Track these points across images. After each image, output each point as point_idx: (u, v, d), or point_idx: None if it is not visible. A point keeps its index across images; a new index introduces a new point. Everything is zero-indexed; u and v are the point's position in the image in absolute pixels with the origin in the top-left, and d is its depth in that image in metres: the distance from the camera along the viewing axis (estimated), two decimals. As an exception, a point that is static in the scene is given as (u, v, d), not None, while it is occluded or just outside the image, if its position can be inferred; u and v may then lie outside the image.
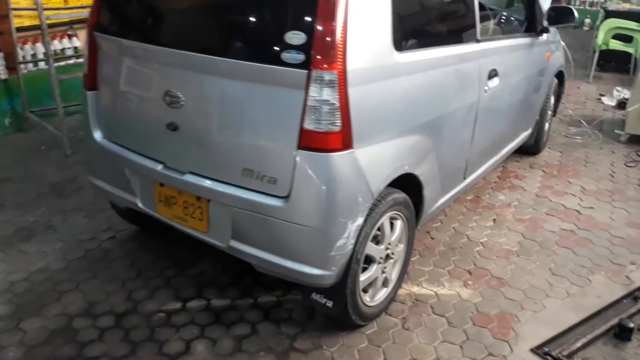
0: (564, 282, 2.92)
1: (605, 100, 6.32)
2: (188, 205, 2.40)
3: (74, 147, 4.46)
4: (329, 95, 1.92)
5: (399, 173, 2.32)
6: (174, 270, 2.93)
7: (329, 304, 2.29)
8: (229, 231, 2.28)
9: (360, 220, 2.14)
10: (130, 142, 2.54)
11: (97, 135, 2.67)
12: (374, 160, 2.14)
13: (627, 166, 4.52)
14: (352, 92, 1.98)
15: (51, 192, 3.82)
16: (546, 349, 2.39)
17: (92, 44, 2.61)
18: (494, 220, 3.58)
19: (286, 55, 1.95)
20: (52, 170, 4.18)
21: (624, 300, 2.78)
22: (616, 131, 5.21)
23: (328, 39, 1.89)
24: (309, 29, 1.91)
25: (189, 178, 2.31)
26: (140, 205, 2.60)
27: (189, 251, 3.08)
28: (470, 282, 2.89)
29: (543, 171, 4.39)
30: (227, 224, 2.28)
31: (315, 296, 2.32)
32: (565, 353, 2.36)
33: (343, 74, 1.93)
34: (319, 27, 1.90)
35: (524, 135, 4.15)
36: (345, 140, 1.99)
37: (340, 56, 1.91)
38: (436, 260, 3.08)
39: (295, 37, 1.93)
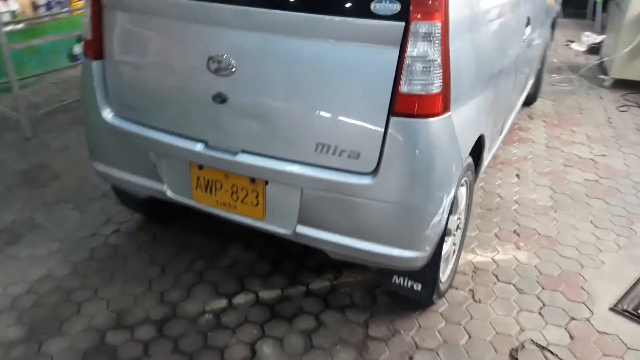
0: (610, 234, 2.89)
1: (575, 46, 6.41)
2: (238, 190, 2.09)
3: (35, 129, 3.90)
4: (431, 50, 1.66)
5: (478, 135, 2.13)
6: (202, 262, 2.61)
7: (417, 286, 2.10)
8: (294, 216, 2.01)
9: (453, 192, 1.94)
10: (156, 120, 2.16)
11: (107, 113, 2.26)
12: (464, 123, 1.93)
13: (620, 111, 4.59)
14: (453, 47, 1.73)
15: (23, 183, 3.32)
16: (624, 306, 2.35)
17: (94, 2, 2.16)
18: (518, 175, 3.50)
19: (377, 6, 1.66)
20: (14, 157, 3.63)
21: (672, 247, 2.80)
22: (600, 76, 5.29)
23: None
24: None
25: (243, 158, 1.99)
26: (169, 193, 2.25)
27: (211, 238, 2.76)
28: (521, 244, 2.79)
29: (544, 121, 4.37)
30: (292, 207, 2.00)
31: (397, 280, 2.12)
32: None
33: (446, 25, 1.67)
34: (417, -32, 1.62)
35: (530, 84, 4.07)
36: (444, 103, 1.75)
37: (443, 4, 1.65)
38: (479, 224, 2.95)
39: None
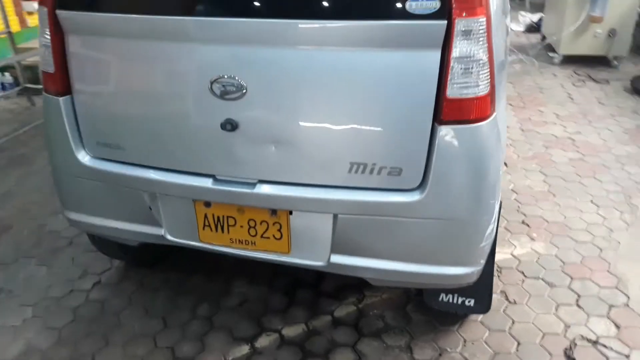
0: (614, 212, 2.90)
1: (514, 26, 6.57)
2: (256, 224, 1.86)
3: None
4: (478, 49, 1.52)
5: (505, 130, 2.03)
6: (207, 306, 2.35)
7: (469, 302, 1.96)
8: (327, 245, 1.81)
9: (499, 198, 1.81)
10: (149, 157, 1.88)
11: (83, 156, 1.95)
12: (502, 121, 1.80)
13: (576, 86, 4.71)
14: (493, 43, 1.60)
15: (-32, 243, 2.89)
16: (656, 286, 2.34)
17: (55, 28, 1.85)
18: (505, 163, 3.47)
19: (414, 4, 1.48)
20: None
21: (674, 217, 2.84)
22: (549, 54, 5.43)
23: None
24: None
25: (262, 189, 1.76)
26: (169, 237, 1.99)
27: (209, 277, 2.51)
28: (534, 235, 2.73)
29: (510, 105, 4.39)
30: (324, 236, 1.80)
31: (445, 298, 1.97)
32: (674, 285, 2.33)
33: (489, 21, 1.53)
34: (456, -40, 1.46)
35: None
36: (492, 105, 1.62)
37: None
38: (485, 219, 2.87)
39: None
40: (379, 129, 1.63)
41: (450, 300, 1.98)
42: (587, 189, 3.13)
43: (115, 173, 1.93)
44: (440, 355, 2.06)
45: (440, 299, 1.99)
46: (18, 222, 3.02)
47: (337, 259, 1.82)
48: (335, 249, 1.81)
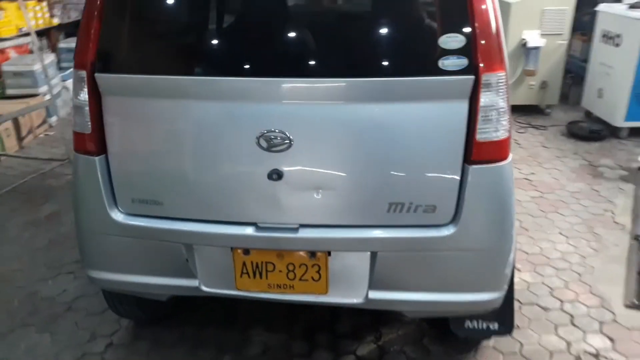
0: (581, 241, 3.26)
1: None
2: (295, 268, 1.99)
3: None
4: (501, 98, 1.79)
5: None
6: (230, 356, 2.40)
7: (493, 326, 2.15)
8: (365, 282, 1.96)
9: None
10: (189, 211, 1.97)
11: (116, 213, 2.02)
12: None
13: (520, 133, 5.22)
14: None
15: (-46, 316, 2.76)
16: (634, 301, 2.65)
17: (93, 91, 1.94)
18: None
19: (445, 62, 1.74)
20: None
21: (632, 242, 3.23)
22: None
23: (491, 36, 1.75)
24: (465, 30, 1.74)
25: (303, 233, 1.91)
26: (203, 288, 2.06)
27: (223, 328, 2.56)
28: (519, 266, 3.00)
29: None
30: (362, 274, 1.96)
31: (471, 324, 2.15)
32: (648, 300, 2.65)
33: (507, 76, 1.82)
34: (479, 25, 1.74)
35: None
36: (510, 146, 1.89)
37: (504, 55, 1.80)
38: (472, 254, 3.13)
39: (453, 40, 1.73)
40: (415, 171, 1.84)
41: (476, 327, 2.16)
42: (553, 223, 3.48)
43: (152, 228, 2.00)
44: (465, 380, 2.23)
45: (466, 326, 2.17)
46: (5, 292, 2.92)
47: (374, 294, 1.97)
48: (373, 285, 1.96)
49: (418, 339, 2.45)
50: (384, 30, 1.85)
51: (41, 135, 5.46)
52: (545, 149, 4.78)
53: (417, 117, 1.80)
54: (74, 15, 7.15)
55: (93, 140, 1.97)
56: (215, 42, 1.99)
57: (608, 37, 5.05)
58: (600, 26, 5.21)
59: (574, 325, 2.53)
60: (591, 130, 5.03)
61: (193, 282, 2.06)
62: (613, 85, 4.96)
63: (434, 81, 1.75)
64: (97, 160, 1.98)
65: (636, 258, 3.02)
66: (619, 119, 4.91)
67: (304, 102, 1.83)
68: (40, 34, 6.17)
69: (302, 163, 1.85)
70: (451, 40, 1.73)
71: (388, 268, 1.93)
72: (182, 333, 2.54)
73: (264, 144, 1.82)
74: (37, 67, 5.37)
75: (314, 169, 1.86)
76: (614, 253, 3.11)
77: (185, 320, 2.62)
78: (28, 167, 4.59)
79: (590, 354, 2.34)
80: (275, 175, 1.85)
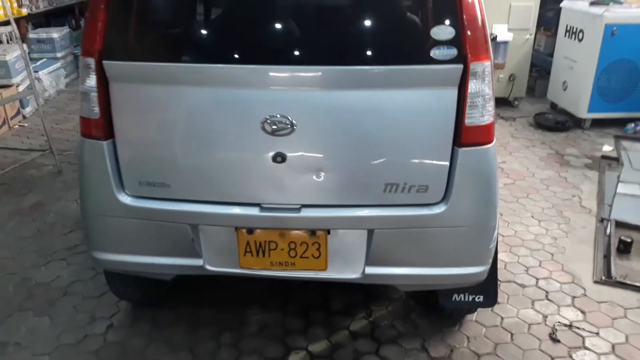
0: (552, 224, 3.48)
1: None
2: (296, 246, 2.12)
3: None
4: (487, 86, 1.95)
5: None
6: (230, 334, 2.51)
7: (478, 298, 2.32)
8: (362, 259, 2.11)
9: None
10: (196, 192, 2.07)
11: (123, 196, 2.10)
12: None
13: (491, 123, 5.45)
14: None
15: (-52, 302, 2.78)
16: (602, 277, 2.88)
17: (100, 78, 2.02)
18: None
19: (437, 52, 1.89)
20: None
21: (598, 224, 3.47)
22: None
23: (478, 29, 1.91)
24: (454, 22, 1.89)
25: (305, 212, 2.04)
26: (208, 267, 2.17)
27: (221, 308, 2.67)
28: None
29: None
30: (359, 251, 2.10)
31: (458, 297, 2.32)
32: (613, 276, 2.88)
33: (491, 65, 1.98)
34: (467, 17, 1.89)
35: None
36: (494, 130, 2.05)
37: (489, 46, 1.96)
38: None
39: (444, 32, 1.89)
40: (408, 153, 1.99)
41: (463, 299, 2.33)
42: (525, 207, 3.71)
43: (160, 210, 2.09)
44: (451, 351, 2.40)
45: (453, 298, 2.34)
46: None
47: (371, 270, 2.11)
48: (369, 261, 2.10)
49: (406, 314, 2.62)
50: (380, 21, 1.98)
51: (16, 127, 5.40)
52: (514, 139, 5.02)
53: (410, 103, 1.94)
54: (43, 6, 7.06)
55: (101, 126, 2.05)
56: (220, 29, 2.08)
57: (571, 32, 5.32)
58: (564, 22, 5.48)
59: (548, 300, 2.73)
60: (557, 122, 5.30)
61: (198, 262, 2.16)
62: (576, 78, 5.24)
63: (426, 70, 1.90)
64: (105, 144, 2.06)
65: (602, 239, 3.26)
66: (582, 111, 5.19)
67: (306, 88, 1.95)
68: (8, 24, 6.07)
69: (304, 146, 1.97)
70: (442, 32, 1.88)
71: (383, 245, 2.07)
72: (179, 314, 2.64)
73: (268, 128, 1.93)
74: (9, 57, 5.31)
75: (315, 152, 1.98)
76: (582, 234, 3.34)
77: (181, 302, 2.71)
78: (7, 158, 4.56)
79: (564, 325, 2.55)
80: (280, 158, 1.97)
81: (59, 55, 6.72)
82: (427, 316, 2.60)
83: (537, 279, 2.90)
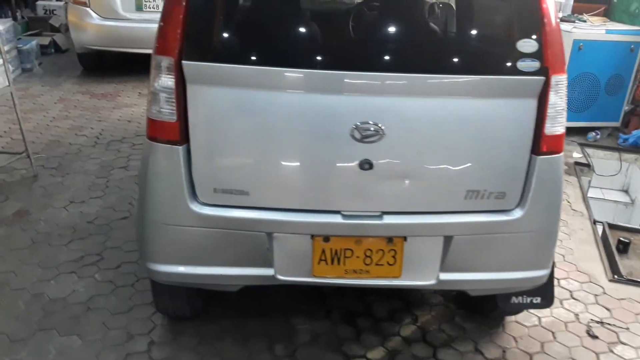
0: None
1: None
2: (372, 253, 2.12)
3: None
4: (563, 98, 2.06)
5: None
6: (282, 345, 2.46)
7: (536, 300, 2.42)
8: (436, 265, 2.14)
9: None
10: (275, 200, 2.02)
11: (196, 205, 2.01)
12: None
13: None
14: None
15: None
16: (615, 276, 3.10)
17: (179, 78, 1.92)
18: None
19: (522, 64, 1.98)
20: None
21: (593, 226, 3.73)
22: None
23: (558, 43, 2.02)
24: (538, 36, 1.98)
25: (385, 220, 2.05)
26: (279, 276, 2.12)
27: (263, 320, 2.61)
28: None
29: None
30: (434, 257, 2.13)
31: (516, 300, 2.41)
32: (626, 275, 3.12)
33: (566, 75, 2.09)
34: (549, 32, 1.99)
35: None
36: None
37: (565, 59, 2.07)
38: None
39: (528, 45, 1.97)
40: (489, 160, 2.05)
41: (521, 301, 2.43)
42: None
43: (237, 218, 2.03)
44: (504, 352, 2.50)
45: (512, 301, 2.43)
46: (3, 295, 2.70)
47: (445, 276, 2.16)
48: (444, 267, 2.15)
49: (451, 318, 2.69)
50: (470, 32, 2.06)
51: (-31, 127, 4.95)
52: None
53: (492, 112, 2.02)
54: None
55: (177, 130, 1.95)
56: (312, 34, 2.04)
57: (539, 46, 5.66)
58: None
59: (574, 299, 2.91)
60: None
61: (269, 271, 2.11)
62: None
63: (511, 80, 1.98)
64: (181, 149, 1.96)
65: (602, 240, 3.52)
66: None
67: (396, 95, 1.96)
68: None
69: (391, 153, 1.99)
70: (527, 45, 1.97)
71: (459, 251, 2.12)
72: (222, 327, 2.55)
73: (357, 135, 1.93)
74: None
75: (402, 159, 2.00)
76: (582, 236, 3.58)
77: (220, 314, 2.62)
78: (-31, 162, 4.17)
79: (596, 322, 2.72)
80: (367, 165, 1.97)
81: (7, 48, 6.23)
82: (470, 319, 2.68)
83: (559, 279, 3.07)
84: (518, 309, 2.53)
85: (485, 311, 2.65)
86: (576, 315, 2.78)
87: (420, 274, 2.16)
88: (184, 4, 1.89)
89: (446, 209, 2.08)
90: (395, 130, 1.95)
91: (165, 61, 1.91)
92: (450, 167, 2.04)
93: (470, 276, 2.17)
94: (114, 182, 3.98)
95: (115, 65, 7.07)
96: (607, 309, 2.83)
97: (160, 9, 6.28)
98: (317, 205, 2.05)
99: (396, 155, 1.99)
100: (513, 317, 2.71)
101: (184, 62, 1.90)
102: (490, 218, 2.09)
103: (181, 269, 2.11)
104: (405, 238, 2.10)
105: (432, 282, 2.16)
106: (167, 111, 1.95)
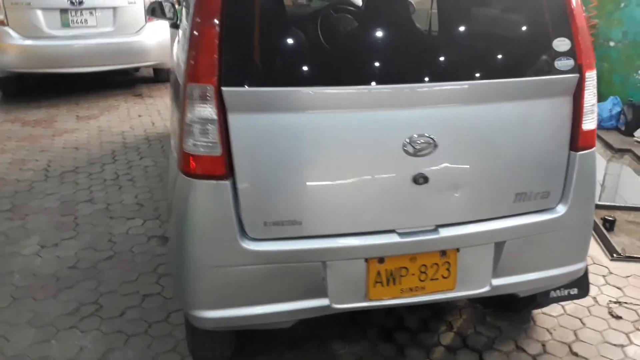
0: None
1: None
2: (427, 269, 2.08)
3: None
4: (593, 94, 2.10)
5: None
6: (329, 372, 2.36)
7: (573, 291, 2.47)
8: (489, 272, 2.14)
9: None
10: (327, 227, 1.93)
11: (247, 241, 1.88)
12: None
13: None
14: None
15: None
16: (614, 255, 3.25)
17: (220, 107, 1.77)
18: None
19: (559, 63, 2.00)
20: None
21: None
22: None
23: (588, 39, 2.06)
24: (569, 33, 2.02)
25: (439, 233, 2.01)
26: (334, 305, 2.03)
27: (297, 351, 2.49)
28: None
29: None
30: (486, 265, 2.12)
31: (555, 293, 2.45)
32: (621, 251, 3.28)
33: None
34: (579, 29, 2.03)
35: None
36: None
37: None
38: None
39: (563, 44, 2.00)
40: (534, 161, 2.07)
41: (559, 294, 2.48)
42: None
43: (291, 250, 1.92)
44: (544, 345, 2.54)
45: (550, 295, 2.47)
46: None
47: (497, 281, 2.15)
48: (497, 273, 2.14)
49: (483, 319, 2.70)
50: (512, 37, 2.07)
51: None
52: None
53: (534, 113, 2.04)
54: None
55: (222, 163, 1.81)
56: (360, 49, 1.95)
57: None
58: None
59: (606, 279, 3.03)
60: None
61: (323, 302, 2.02)
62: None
63: (551, 80, 2.01)
64: (228, 184, 1.81)
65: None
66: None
67: (446, 105, 1.94)
68: None
69: (445, 164, 1.95)
70: (561, 44, 2.01)
71: (510, 255, 2.13)
72: (261, 354, 2.41)
73: (410, 149, 1.88)
74: None
75: (455, 169, 1.97)
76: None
77: (252, 350, 2.47)
78: None
79: (614, 302, 2.84)
80: (422, 179, 1.92)
81: None
82: (501, 317, 2.70)
83: (565, 265, 3.17)
84: (556, 302, 2.59)
85: (515, 307, 2.68)
86: (594, 298, 2.88)
87: (474, 283, 2.14)
88: (218, 26, 1.74)
89: (497, 214, 2.08)
90: (446, 140, 1.92)
91: (203, 89, 1.76)
92: (500, 172, 2.03)
93: (521, 278, 2.18)
94: (84, 219, 3.66)
95: (38, 87, 6.55)
96: (619, 288, 2.96)
97: (89, 23, 5.90)
98: (372, 226, 1.97)
99: (449, 165, 1.96)
100: (539, 309, 2.76)
101: (224, 89, 1.75)
102: (538, 218, 2.11)
103: (231, 312, 1.97)
104: (458, 249, 2.06)
105: (487, 289, 2.15)
106: (208, 144, 1.79)
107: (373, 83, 1.87)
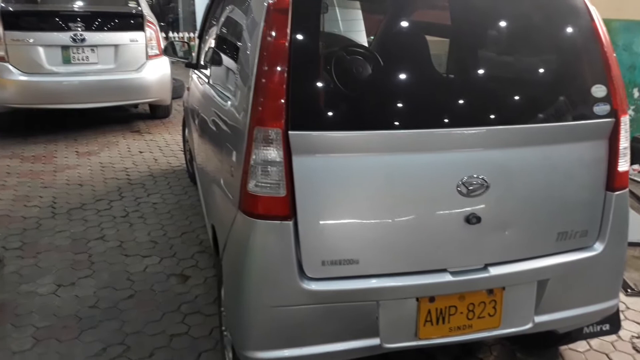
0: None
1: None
2: (475, 307, 2.12)
3: None
4: (627, 138, 2.22)
5: None
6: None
7: (605, 327, 2.53)
8: (531, 310, 2.19)
9: None
10: (382, 266, 1.97)
11: (305, 281, 1.90)
12: None
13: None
14: None
15: None
16: (628, 290, 3.34)
17: (287, 150, 1.82)
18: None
19: (596, 108, 2.12)
20: None
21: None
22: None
23: (622, 86, 2.19)
24: (605, 80, 2.14)
25: (488, 272, 2.07)
26: (385, 345, 2.05)
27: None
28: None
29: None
30: (529, 303, 2.18)
31: (588, 329, 2.50)
32: (634, 286, 3.38)
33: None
34: (614, 76, 2.16)
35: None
36: None
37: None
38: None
39: (600, 90, 2.13)
40: (574, 201, 2.17)
41: (592, 330, 2.53)
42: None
43: (349, 290, 1.95)
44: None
45: (584, 331, 2.52)
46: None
47: (540, 318, 2.21)
48: (539, 310, 2.20)
49: (513, 356, 2.73)
50: (556, 85, 2.18)
51: None
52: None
53: (574, 155, 2.14)
54: None
55: (286, 204, 1.84)
56: (420, 93, 2.03)
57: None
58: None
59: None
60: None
61: (374, 341, 2.04)
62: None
63: (590, 124, 2.13)
64: (290, 224, 1.84)
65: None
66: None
67: (497, 148, 2.02)
68: None
69: (497, 205, 2.03)
70: (599, 90, 2.13)
71: (552, 292, 2.19)
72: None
73: (463, 189, 1.95)
74: None
75: (506, 210, 2.05)
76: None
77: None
78: None
79: (636, 337, 2.91)
80: (474, 219, 1.98)
81: None
82: (529, 353, 2.74)
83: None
84: (589, 337, 2.64)
85: (545, 343, 2.72)
86: (617, 334, 2.94)
87: (518, 321, 2.19)
88: (286, 71, 1.80)
89: (541, 253, 2.14)
90: (497, 181, 2.00)
91: (270, 133, 1.81)
92: (544, 212, 2.11)
93: (562, 315, 2.24)
94: (98, 257, 3.61)
95: (34, 122, 6.49)
96: (637, 323, 3.04)
97: (90, 60, 5.96)
98: (424, 265, 2.02)
99: (500, 206, 2.03)
100: (565, 345, 2.81)
101: (290, 132, 1.80)
102: (578, 256, 2.19)
103: (286, 352, 1.98)
104: (504, 287, 2.11)
105: (529, 326, 2.20)
106: (272, 185, 1.83)
107: (432, 126, 1.95)
